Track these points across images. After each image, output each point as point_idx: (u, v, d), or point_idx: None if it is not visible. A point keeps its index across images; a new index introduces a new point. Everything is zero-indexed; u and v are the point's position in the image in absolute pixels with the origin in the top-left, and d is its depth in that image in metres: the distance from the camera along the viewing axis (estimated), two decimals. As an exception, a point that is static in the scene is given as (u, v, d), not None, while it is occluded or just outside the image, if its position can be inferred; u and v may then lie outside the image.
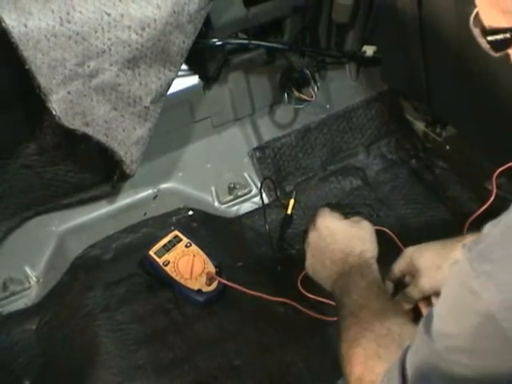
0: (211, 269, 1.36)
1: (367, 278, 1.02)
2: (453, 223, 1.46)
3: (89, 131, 1.19)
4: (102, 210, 1.49)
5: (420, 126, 1.68)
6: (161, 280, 1.37)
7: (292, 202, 1.52)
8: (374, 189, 1.60)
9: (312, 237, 1.14)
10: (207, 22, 1.31)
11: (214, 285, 1.34)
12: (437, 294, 1.05)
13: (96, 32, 1.09)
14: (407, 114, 1.71)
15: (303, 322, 1.28)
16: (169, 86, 1.26)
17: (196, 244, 1.41)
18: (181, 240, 1.42)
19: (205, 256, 1.39)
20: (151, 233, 1.49)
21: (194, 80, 1.50)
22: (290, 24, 1.51)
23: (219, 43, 1.38)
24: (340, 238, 1.11)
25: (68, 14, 1.06)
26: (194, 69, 1.49)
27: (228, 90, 1.56)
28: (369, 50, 1.55)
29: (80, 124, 1.17)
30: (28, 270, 1.40)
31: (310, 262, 1.14)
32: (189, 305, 1.34)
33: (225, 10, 1.36)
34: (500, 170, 1.27)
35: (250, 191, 1.58)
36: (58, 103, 1.11)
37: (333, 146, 1.66)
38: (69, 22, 1.07)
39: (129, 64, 1.16)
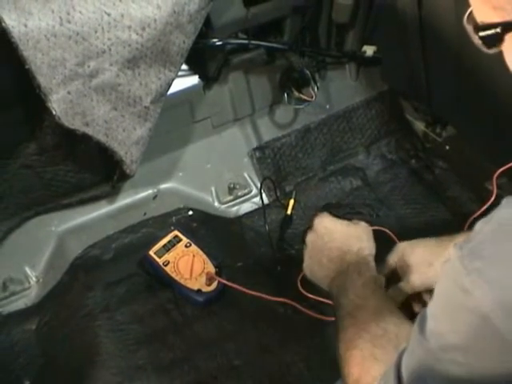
0: (211, 269, 1.36)
1: (365, 275, 1.02)
2: (453, 223, 1.46)
3: (89, 131, 1.19)
4: (102, 209, 1.49)
5: (420, 126, 1.68)
6: (161, 280, 1.37)
7: (292, 202, 1.52)
8: (374, 189, 1.60)
9: (310, 237, 1.15)
10: (207, 22, 1.31)
11: (214, 285, 1.34)
12: (428, 290, 1.06)
13: (96, 32, 1.09)
14: (407, 114, 1.71)
15: (303, 322, 1.28)
16: (169, 86, 1.26)
17: (196, 244, 1.41)
18: (181, 240, 1.42)
19: (205, 256, 1.39)
20: (151, 233, 1.49)
21: (194, 80, 1.50)
22: (289, 24, 1.51)
23: (219, 43, 1.38)
24: (338, 237, 1.12)
25: (68, 13, 1.06)
26: (194, 69, 1.49)
27: (228, 90, 1.56)
28: (369, 50, 1.55)
29: (80, 124, 1.17)
30: (28, 270, 1.40)
31: (307, 263, 1.15)
32: (189, 305, 1.34)
33: (225, 10, 1.36)
34: (500, 170, 1.27)
35: (250, 191, 1.58)
36: (58, 103, 1.12)
37: (333, 146, 1.66)
38: (69, 21, 1.07)
39: (129, 64, 1.16)
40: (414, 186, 1.60)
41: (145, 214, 1.52)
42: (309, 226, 1.17)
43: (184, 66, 1.40)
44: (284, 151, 1.62)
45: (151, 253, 1.39)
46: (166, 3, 1.13)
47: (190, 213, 1.54)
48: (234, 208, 1.56)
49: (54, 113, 1.12)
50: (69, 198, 1.43)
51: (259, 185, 1.55)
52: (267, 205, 1.54)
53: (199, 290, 1.33)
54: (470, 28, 0.68)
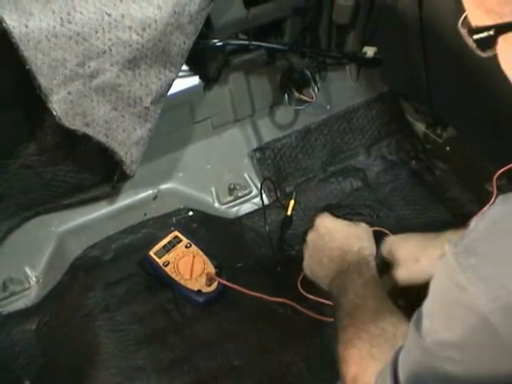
0: (211, 269, 1.36)
1: (365, 275, 1.03)
2: (453, 224, 1.46)
3: (89, 131, 1.19)
4: (102, 210, 1.49)
5: (420, 127, 1.68)
6: (161, 280, 1.37)
7: (292, 202, 1.52)
8: (375, 190, 1.60)
9: (310, 236, 1.16)
10: (208, 23, 1.31)
11: (214, 285, 1.34)
12: (414, 286, 1.07)
13: (97, 32, 1.09)
14: (408, 115, 1.71)
15: (303, 322, 1.28)
16: (169, 86, 1.26)
17: (196, 245, 1.41)
18: (181, 240, 1.42)
19: (205, 257, 1.39)
20: (151, 233, 1.49)
21: (194, 81, 1.50)
22: (290, 25, 1.51)
23: (220, 44, 1.38)
24: (338, 237, 1.13)
25: (69, 14, 1.07)
26: (194, 69, 1.49)
27: (228, 90, 1.56)
28: (369, 51, 1.55)
29: (80, 124, 1.17)
30: (28, 270, 1.41)
31: (307, 262, 1.16)
32: (189, 305, 1.34)
33: (225, 11, 1.36)
34: (500, 171, 1.27)
35: (250, 192, 1.58)
36: (58, 103, 1.12)
37: (333, 147, 1.66)
38: (69, 22, 1.07)
39: (129, 64, 1.16)
40: (414, 187, 1.60)
41: (145, 214, 1.52)
42: (310, 226, 1.18)
43: (184, 67, 1.40)
44: (284, 152, 1.62)
45: (151, 253, 1.39)
46: (167, 4, 1.13)
47: (190, 213, 1.54)
48: (234, 209, 1.56)
49: (54, 113, 1.12)
50: (69, 199, 1.43)
51: (259, 185, 1.55)
52: (267, 205, 1.54)
53: (199, 291, 1.33)
54: (464, 31, 0.69)
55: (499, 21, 0.63)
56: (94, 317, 1.33)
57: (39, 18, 1.04)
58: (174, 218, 1.52)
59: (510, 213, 0.62)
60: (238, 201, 1.57)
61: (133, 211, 1.51)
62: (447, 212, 1.51)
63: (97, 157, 1.35)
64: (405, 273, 1.10)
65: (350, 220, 1.25)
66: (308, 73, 1.52)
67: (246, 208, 1.56)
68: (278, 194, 1.55)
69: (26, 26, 1.03)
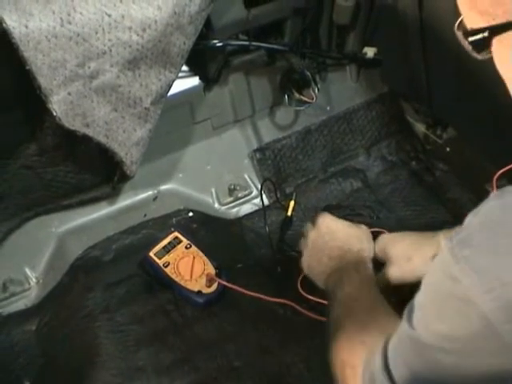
0: (211, 270, 1.36)
1: (362, 274, 1.04)
2: (453, 225, 1.46)
3: (89, 132, 1.19)
4: (102, 211, 1.49)
5: (420, 127, 1.68)
6: (161, 281, 1.37)
7: (292, 203, 1.52)
8: (375, 191, 1.60)
9: (311, 235, 1.17)
10: (208, 24, 1.31)
11: (214, 286, 1.34)
12: (407, 285, 1.07)
13: (97, 33, 1.09)
14: (408, 116, 1.71)
15: (303, 323, 1.28)
16: (169, 87, 1.26)
17: (196, 245, 1.41)
18: (181, 241, 1.42)
19: (205, 257, 1.39)
20: (151, 234, 1.49)
21: (194, 81, 1.50)
22: (290, 25, 1.51)
23: (220, 44, 1.38)
24: (339, 236, 1.14)
25: (69, 14, 1.07)
26: (194, 70, 1.49)
27: (228, 91, 1.56)
28: (369, 52, 1.55)
29: (80, 125, 1.17)
30: (28, 270, 1.41)
31: (306, 259, 1.17)
32: (189, 306, 1.34)
33: (225, 12, 1.36)
34: (500, 171, 1.27)
35: (250, 193, 1.58)
36: (58, 104, 1.12)
37: (333, 148, 1.66)
38: (69, 22, 1.07)
39: (129, 65, 1.16)
40: (414, 188, 1.59)
41: (145, 215, 1.52)
42: (311, 221, 1.18)
43: (184, 67, 1.40)
44: (284, 153, 1.62)
45: (151, 254, 1.39)
46: (167, 4, 1.13)
47: (190, 214, 1.54)
48: (234, 209, 1.56)
49: (54, 114, 1.12)
50: (69, 199, 1.43)
51: (259, 186, 1.55)
52: (267, 206, 1.54)
53: (199, 292, 1.33)
54: (459, 34, 0.70)
55: (493, 22, 0.64)
56: (94, 317, 1.33)
57: (39, 19, 1.04)
58: (174, 219, 1.52)
59: (505, 206, 0.63)
60: (238, 201, 1.57)
61: (133, 212, 1.51)
62: (447, 213, 1.51)
63: (97, 157, 1.35)
64: (397, 271, 1.11)
65: (351, 221, 1.26)
66: (308, 73, 1.52)
67: (246, 209, 1.56)
68: (278, 195, 1.55)
69: (26, 27, 1.03)
